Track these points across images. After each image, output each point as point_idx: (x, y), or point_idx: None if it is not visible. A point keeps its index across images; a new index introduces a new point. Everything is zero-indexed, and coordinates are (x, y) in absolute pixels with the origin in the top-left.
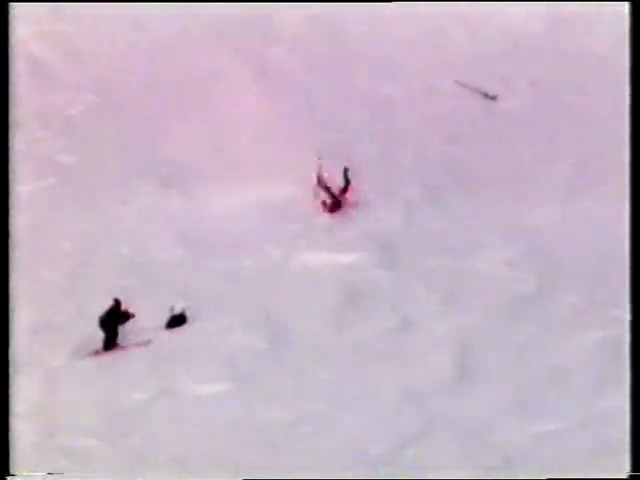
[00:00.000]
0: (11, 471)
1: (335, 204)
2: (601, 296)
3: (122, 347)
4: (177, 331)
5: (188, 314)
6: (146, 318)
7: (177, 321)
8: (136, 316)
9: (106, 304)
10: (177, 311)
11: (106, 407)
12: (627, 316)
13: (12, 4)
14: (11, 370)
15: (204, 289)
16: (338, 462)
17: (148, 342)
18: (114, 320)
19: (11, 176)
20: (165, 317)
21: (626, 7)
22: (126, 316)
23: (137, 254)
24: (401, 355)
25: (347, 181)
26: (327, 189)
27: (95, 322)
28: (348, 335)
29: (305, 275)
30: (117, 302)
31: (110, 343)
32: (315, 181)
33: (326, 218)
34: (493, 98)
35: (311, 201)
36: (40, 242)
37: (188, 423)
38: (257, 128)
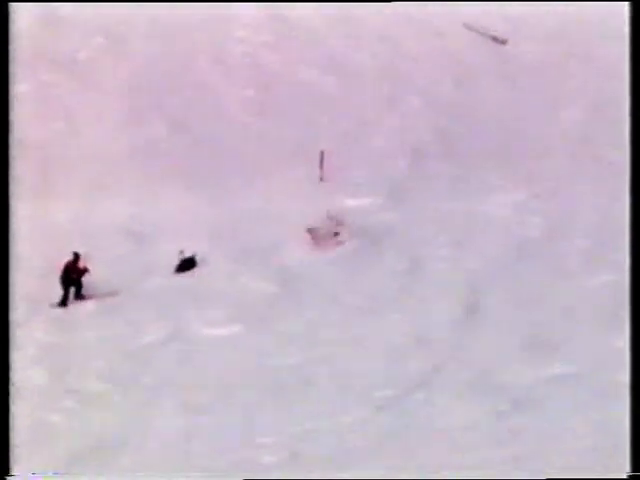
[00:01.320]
0: (11, 471)
1: None
2: (608, 240)
3: (89, 298)
4: (187, 275)
5: (197, 258)
6: (156, 262)
7: (187, 265)
8: (91, 271)
9: (117, 247)
10: (186, 255)
11: (116, 350)
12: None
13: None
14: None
15: (215, 234)
16: (348, 404)
17: (116, 293)
18: (69, 274)
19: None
20: (175, 261)
21: (626, 7)
22: (82, 271)
23: (147, 199)
24: (410, 298)
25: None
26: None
27: (103, 261)
28: (358, 279)
29: (317, 219)
30: (76, 255)
31: (65, 299)
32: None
33: (334, 161)
34: (503, 42)
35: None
36: (49, 185)
37: (198, 365)
38: None
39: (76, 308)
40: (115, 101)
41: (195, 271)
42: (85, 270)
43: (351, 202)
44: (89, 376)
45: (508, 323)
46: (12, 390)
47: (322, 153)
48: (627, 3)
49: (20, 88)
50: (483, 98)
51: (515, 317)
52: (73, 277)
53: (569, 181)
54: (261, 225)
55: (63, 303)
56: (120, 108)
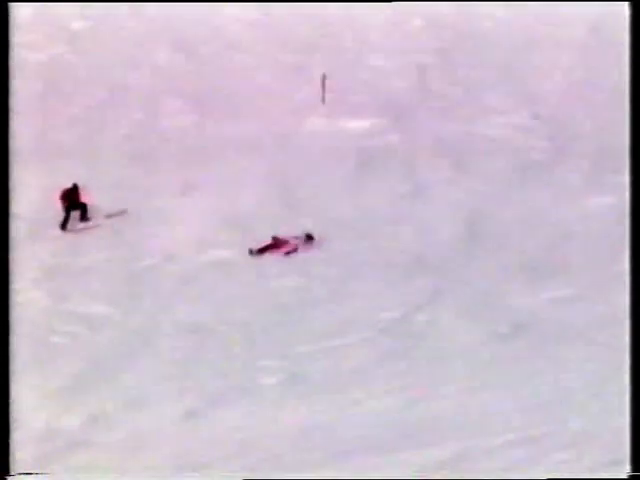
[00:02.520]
0: (11, 471)
1: None
2: (609, 162)
3: (92, 220)
4: (189, 197)
5: (200, 181)
6: (160, 183)
7: (189, 188)
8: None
9: (119, 170)
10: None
11: (118, 271)
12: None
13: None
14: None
15: (215, 155)
16: (350, 327)
17: (118, 215)
18: (70, 201)
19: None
20: (178, 184)
21: (626, 7)
22: (80, 205)
23: (151, 119)
24: (412, 220)
25: None
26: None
27: (105, 190)
28: (361, 201)
29: (319, 141)
30: (75, 187)
31: (66, 221)
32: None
33: (339, 82)
34: None
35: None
36: (51, 107)
37: (199, 287)
38: None
39: (79, 230)
40: None
41: (198, 192)
42: (83, 204)
43: (352, 124)
44: (91, 298)
45: (509, 245)
46: (12, 391)
47: (324, 75)
48: (627, 3)
49: None
50: (485, 19)
51: (516, 239)
52: (73, 202)
53: (569, 103)
54: (262, 148)
55: (64, 226)
56: None
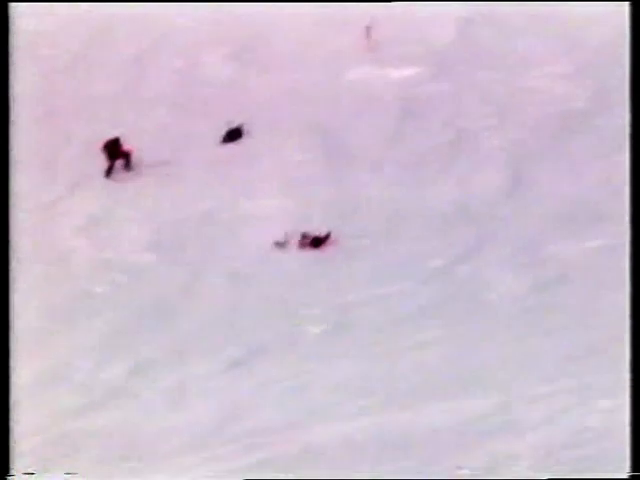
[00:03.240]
0: (11, 470)
1: None
2: None
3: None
4: (233, 146)
5: (244, 129)
6: (203, 133)
7: (233, 136)
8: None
9: (163, 119)
10: (233, 126)
11: (163, 221)
12: None
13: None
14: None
15: (260, 104)
16: (394, 276)
17: (163, 164)
18: (113, 151)
19: None
20: (221, 132)
21: (626, 7)
22: (124, 154)
23: (191, 70)
24: (455, 169)
25: None
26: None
27: (149, 139)
28: (403, 149)
29: (361, 90)
30: (117, 138)
31: (110, 170)
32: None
33: (383, 32)
34: None
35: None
36: (95, 59)
37: (243, 237)
38: None
39: (123, 179)
40: None
41: (242, 141)
42: (128, 152)
43: (396, 73)
44: (135, 247)
45: (552, 194)
46: (12, 391)
47: (368, 25)
48: (627, 3)
49: None
50: None
51: (559, 189)
52: (117, 152)
53: (612, 52)
54: (305, 96)
55: (108, 175)
56: None
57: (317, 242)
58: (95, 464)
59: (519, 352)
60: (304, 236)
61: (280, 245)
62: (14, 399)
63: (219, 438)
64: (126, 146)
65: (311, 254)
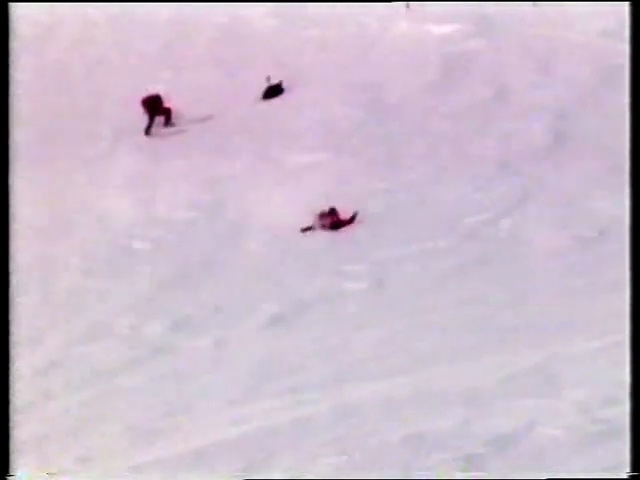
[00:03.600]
0: (10, 470)
1: None
2: None
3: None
4: (273, 102)
5: (284, 85)
6: (243, 89)
7: (274, 92)
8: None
9: (204, 76)
10: (274, 82)
11: (203, 178)
12: None
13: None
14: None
15: (301, 60)
16: (435, 232)
17: (203, 120)
18: (153, 107)
19: None
20: (262, 88)
21: (626, 7)
22: (165, 110)
23: (232, 26)
24: (497, 125)
25: None
26: None
27: (189, 96)
28: (444, 105)
29: (402, 46)
30: (157, 94)
31: (149, 127)
32: None
33: None
34: None
35: None
36: (136, 17)
37: (285, 192)
38: None
39: (163, 136)
40: None
41: (283, 97)
42: (168, 109)
43: (437, 29)
44: (175, 204)
45: (594, 150)
46: (13, 394)
47: None
48: (627, 3)
49: None
50: None
51: (601, 144)
52: (157, 108)
53: None
54: (346, 52)
55: (148, 131)
56: None
57: (338, 224)
58: (139, 421)
59: (560, 308)
60: (325, 216)
61: (307, 230)
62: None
63: (259, 395)
64: (166, 103)
65: (354, 207)
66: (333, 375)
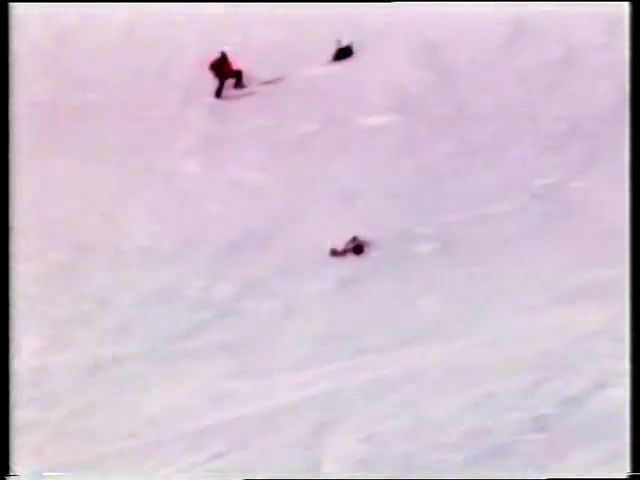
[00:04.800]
0: (11, 470)
1: None
2: None
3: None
4: (343, 64)
5: (354, 47)
6: (313, 51)
7: (344, 54)
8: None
9: (274, 37)
10: (343, 44)
11: (273, 139)
12: None
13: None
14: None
15: (370, 22)
16: (505, 194)
17: (273, 82)
18: (222, 70)
19: None
20: (332, 50)
21: (626, 7)
22: (233, 70)
23: None
24: (566, 86)
25: None
26: None
27: (260, 57)
28: (513, 67)
29: (472, 7)
30: (223, 55)
31: (220, 90)
32: None
33: None
34: None
35: None
36: None
37: (354, 154)
38: None
39: (234, 98)
40: None
41: (352, 59)
42: (238, 71)
43: None
44: (245, 166)
45: None
46: (13, 393)
47: None
48: (627, 3)
49: None
50: None
51: None
52: (226, 70)
53: None
54: (415, 14)
55: (218, 94)
56: None
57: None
58: (206, 383)
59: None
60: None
61: (336, 253)
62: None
63: (327, 357)
64: (236, 65)
65: (423, 169)
66: (401, 337)
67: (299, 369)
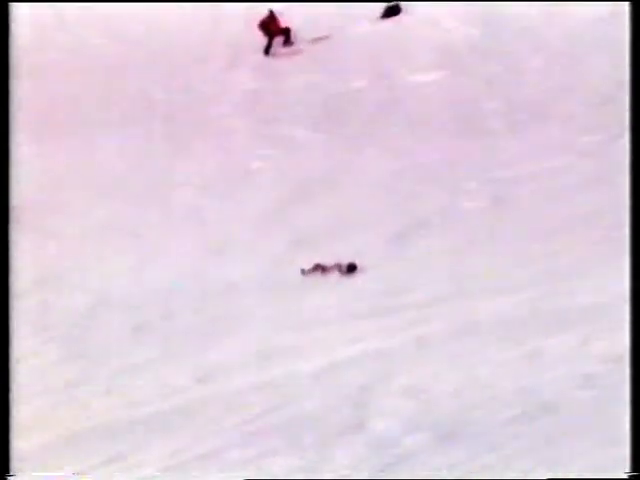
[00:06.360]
0: (11, 470)
1: None
2: None
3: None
4: (392, 20)
5: (402, 4)
6: (362, 9)
7: (392, 11)
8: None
9: None
10: (392, 2)
11: (321, 96)
12: None
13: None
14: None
15: None
16: (552, 151)
17: (322, 39)
18: (269, 28)
19: None
20: (380, 8)
21: (626, 7)
22: (281, 29)
23: None
24: (611, 44)
25: None
26: None
27: (307, 16)
28: (559, 26)
29: None
30: (271, 13)
31: (269, 47)
32: None
33: None
34: None
35: None
36: None
37: (402, 111)
38: None
39: (282, 55)
40: None
41: (401, 17)
42: (287, 29)
43: None
44: (293, 122)
45: None
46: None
47: None
48: (627, 3)
49: None
50: None
51: None
52: (274, 29)
53: None
54: None
55: (267, 51)
56: None
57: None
58: (256, 338)
59: None
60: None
61: (308, 272)
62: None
63: (377, 313)
64: (285, 23)
65: (470, 126)
66: (452, 292)
67: (350, 325)
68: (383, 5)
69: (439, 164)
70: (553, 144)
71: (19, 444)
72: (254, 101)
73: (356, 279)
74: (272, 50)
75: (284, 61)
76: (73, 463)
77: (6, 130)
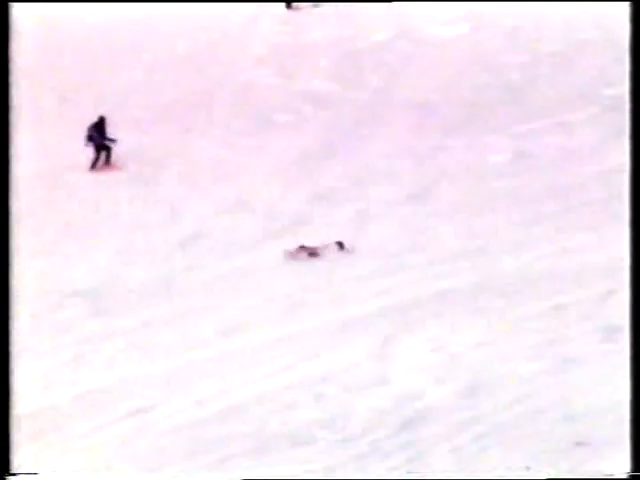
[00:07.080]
0: (11, 470)
1: None
2: None
3: None
4: None
5: None
6: None
7: None
8: None
9: None
10: None
11: (344, 49)
12: None
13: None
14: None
15: None
16: (576, 103)
17: None
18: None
19: None
20: None
21: (626, 7)
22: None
23: None
24: None
25: None
26: None
27: None
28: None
29: None
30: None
31: (290, 2)
32: None
33: None
34: None
35: None
36: None
37: (423, 65)
38: None
39: (305, 10)
40: None
41: None
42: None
43: None
44: (316, 75)
45: None
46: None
47: None
48: (627, 3)
49: None
50: None
51: None
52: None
53: None
54: None
55: (289, 5)
56: None
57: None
58: (277, 294)
59: None
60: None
61: (291, 255)
62: (194, 230)
63: (399, 266)
64: None
65: (493, 80)
66: (472, 248)
67: (373, 279)
68: None
69: (462, 114)
70: (577, 97)
71: (45, 397)
72: (278, 54)
73: (379, 233)
74: (295, 4)
75: (306, 15)
76: (98, 416)
77: (6, 130)
